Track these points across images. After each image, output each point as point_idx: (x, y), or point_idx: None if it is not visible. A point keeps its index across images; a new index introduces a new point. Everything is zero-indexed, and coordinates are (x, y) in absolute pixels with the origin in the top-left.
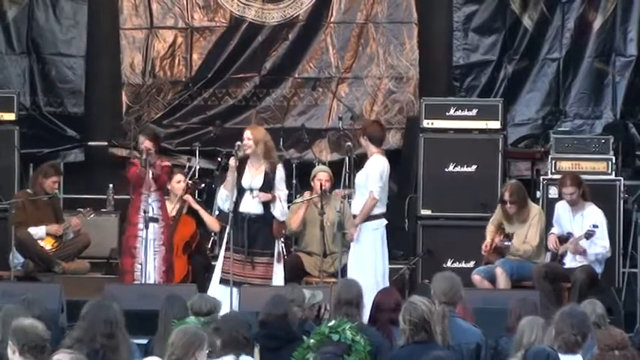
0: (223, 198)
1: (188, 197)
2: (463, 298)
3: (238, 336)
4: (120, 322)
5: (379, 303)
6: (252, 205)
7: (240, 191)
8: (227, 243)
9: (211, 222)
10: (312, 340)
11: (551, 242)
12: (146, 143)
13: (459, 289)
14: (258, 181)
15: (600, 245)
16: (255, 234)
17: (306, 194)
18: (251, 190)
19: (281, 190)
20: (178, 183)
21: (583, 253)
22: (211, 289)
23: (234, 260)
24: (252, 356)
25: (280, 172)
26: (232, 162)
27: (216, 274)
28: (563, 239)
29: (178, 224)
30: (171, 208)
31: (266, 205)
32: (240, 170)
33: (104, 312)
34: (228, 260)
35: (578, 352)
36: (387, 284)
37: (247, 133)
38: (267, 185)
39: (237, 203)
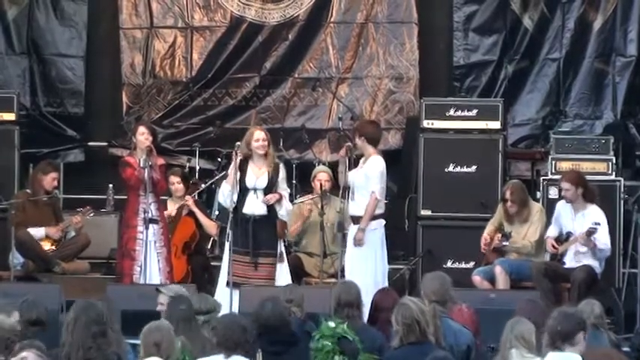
0: (226, 194)
1: (188, 201)
2: (453, 298)
3: (232, 336)
4: (108, 318)
5: (378, 303)
6: (256, 205)
7: (243, 191)
8: (232, 245)
9: (209, 226)
10: (328, 343)
11: (549, 245)
12: (146, 136)
13: (449, 289)
14: (263, 182)
15: (602, 243)
16: (260, 235)
17: (307, 199)
18: (255, 190)
19: (283, 189)
20: (177, 184)
21: (594, 247)
22: (218, 293)
23: (238, 262)
24: (249, 358)
25: (282, 172)
26: (237, 158)
27: (222, 277)
28: (563, 239)
29: (178, 224)
30: (172, 208)
31: (269, 205)
32: (243, 170)
33: (92, 312)
34: (234, 263)
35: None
36: (387, 284)
37: (262, 134)
38: (271, 185)
39: (240, 204)
